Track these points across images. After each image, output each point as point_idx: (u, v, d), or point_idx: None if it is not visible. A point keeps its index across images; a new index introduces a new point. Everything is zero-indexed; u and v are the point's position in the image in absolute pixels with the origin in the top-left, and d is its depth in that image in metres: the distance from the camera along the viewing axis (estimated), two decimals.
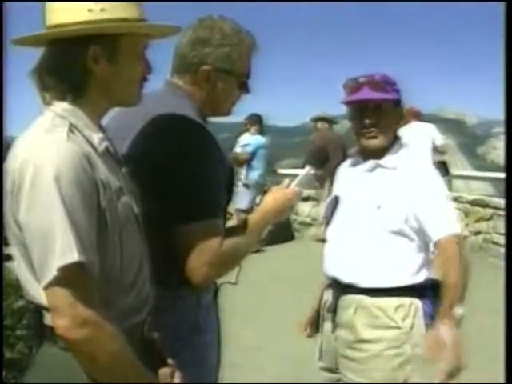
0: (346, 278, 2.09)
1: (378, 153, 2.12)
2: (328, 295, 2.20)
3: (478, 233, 7.81)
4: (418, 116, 7.82)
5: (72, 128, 1.28)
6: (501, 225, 7.20)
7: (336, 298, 2.13)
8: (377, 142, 2.10)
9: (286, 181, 1.88)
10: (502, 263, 6.82)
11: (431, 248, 1.98)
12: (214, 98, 1.78)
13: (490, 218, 7.60)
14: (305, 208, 8.80)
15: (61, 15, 1.30)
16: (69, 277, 1.17)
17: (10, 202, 1.24)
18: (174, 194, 1.56)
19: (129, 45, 1.35)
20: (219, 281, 1.85)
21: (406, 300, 2.02)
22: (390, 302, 2.02)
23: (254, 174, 7.69)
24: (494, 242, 7.43)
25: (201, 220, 1.56)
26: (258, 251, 7.84)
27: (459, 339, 1.77)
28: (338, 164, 2.41)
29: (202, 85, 1.75)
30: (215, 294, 1.85)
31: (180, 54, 1.77)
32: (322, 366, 2.26)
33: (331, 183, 2.47)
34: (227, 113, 1.86)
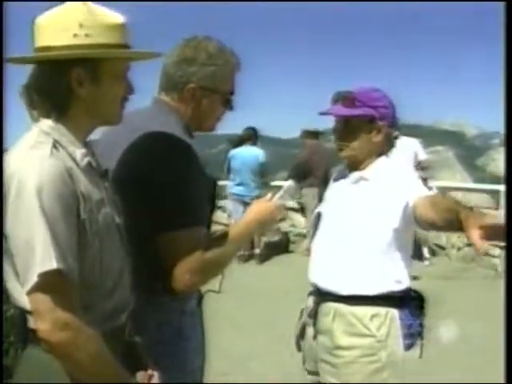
0: (326, 286, 2.17)
1: (359, 165, 2.21)
2: (310, 301, 2.28)
3: (470, 244, 7.80)
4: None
5: (56, 144, 1.36)
6: None
7: (317, 305, 2.22)
8: (343, 155, 2.22)
9: (269, 194, 1.96)
10: (493, 273, 6.92)
11: (411, 213, 2.01)
12: (199, 115, 1.86)
13: None
14: (301, 219, 8.86)
15: (48, 38, 1.38)
16: (49, 283, 1.25)
17: None
18: (158, 205, 1.63)
19: (111, 68, 1.43)
20: (203, 289, 1.92)
21: (382, 309, 2.09)
22: (366, 310, 2.09)
23: (237, 188, 7.85)
24: (485, 253, 7.47)
25: (183, 229, 1.63)
26: (251, 261, 8.00)
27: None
28: (321, 175, 2.50)
29: (188, 102, 1.83)
30: (199, 301, 1.92)
31: (167, 73, 1.85)
32: (305, 368, 2.34)
33: (319, 194, 2.55)
34: (211, 128, 1.95)
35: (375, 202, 2.12)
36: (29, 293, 1.26)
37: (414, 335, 2.13)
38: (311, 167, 7.17)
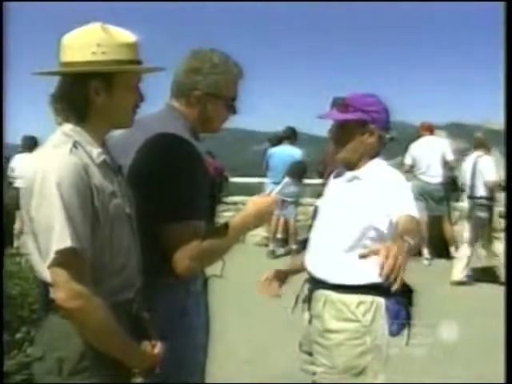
0: (318, 274, 2.38)
1: (354, 165, 2.38)
2: (305, 288, 2.50)
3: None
4: (430, 130, 8.08)
5: (76, 144, 1.61)
6: None
7: (310, 291, 2.43)
8: (339, 157, 2.40)
9: (268, 190, 2.19)
10: None
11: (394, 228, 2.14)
12: (205, 118, 2.09)
13: None
14: None
15: (70, 55, 1.64)
16: (64, 259, 1.50)
17: (24, 201, 1.58)
18: (163, 199, 1.86)
19: (123, 80, 1.68)
20: (207, 273, 2.15)
21: (368, 297, 2.26)
22: (353, 298, 2.27)
23: (274, 186, 8.14)
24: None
25: (185, 220, 1.86)
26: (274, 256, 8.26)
27: (402, 257, 1.73)
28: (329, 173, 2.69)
29: (194, 107, 2.06)
30: (205, 283, 2.15)
31: (176, 81, 2.09)
32: (303, 350, 2.54)
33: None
34: (216, 130, 2.17)
35: (364, 201, 2.28)
36: (49, 267, 1.52)
37: (399, 322, 2.29)
38: (306, 166, 7.29)
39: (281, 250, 8.47)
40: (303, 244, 8.15)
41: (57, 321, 1.61)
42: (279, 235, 8.55)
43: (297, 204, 8.38)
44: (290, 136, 8.32)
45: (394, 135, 2.47)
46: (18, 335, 2.59)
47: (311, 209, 9.22)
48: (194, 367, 2.09)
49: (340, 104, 2.38)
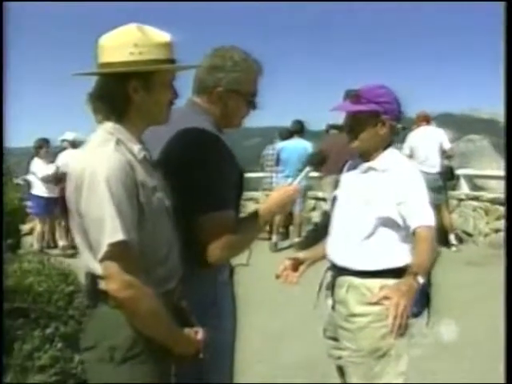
0: (341, 262, 2.47)
1: (368, 156, 2.47)
2: (328, 275, 2.59)
3: (497, 230, 7.98)
4: (428, 120, 8.27)
5: (118, 141, 1.68)
6: None
7: (333, 278, 2.52)
8: (353, 145, 2.48)
9: (289, 180, 2.27)
10: None
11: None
12: (226, 114, 2.16)
13: None
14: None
15: (109, 56, 1.71)
16: (116, 251, 1.57)
17: (73, 198, 1.64)
18: (195, 192, 1.93)
19: (160, 78, 1.74)
20: (233, 262, 2.22)
21: (390, 281, 2.33)
22: (376, 282, 2.35)
23: (286, 179, 8.22)
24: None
25: (216, 211, 1.93)
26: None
27: (406, 305, 2.12)
28: (341, 164, 2.77)
29: (216, 103, 2.13)
30: (231, 273, 2.23)
31: (199, 78, 2.16)
32: (327, 335, 2.63)
33: (336, 181, 2.83)
34: (237, 125, 2.24)
35: (380, 192, 2.37)
36: (100, 260, 1.59)
37: (420, 304, 2.37)
38: (326, 156, 7.40)
39: (283, 243, 8.57)
40: (306, 237, 8.32)
41: (107, 311, 1.68)
42: (281, 229, 8.68)
43: (305, 197, 8.51)
44: (299, 130, 8.53)
45: (405, 125, 2.55)
46: (48, 330, 2.66)
47: (310, 202, 9.39)
48: (223, 355, 2.16)
49: (353, 96, 2.45)
